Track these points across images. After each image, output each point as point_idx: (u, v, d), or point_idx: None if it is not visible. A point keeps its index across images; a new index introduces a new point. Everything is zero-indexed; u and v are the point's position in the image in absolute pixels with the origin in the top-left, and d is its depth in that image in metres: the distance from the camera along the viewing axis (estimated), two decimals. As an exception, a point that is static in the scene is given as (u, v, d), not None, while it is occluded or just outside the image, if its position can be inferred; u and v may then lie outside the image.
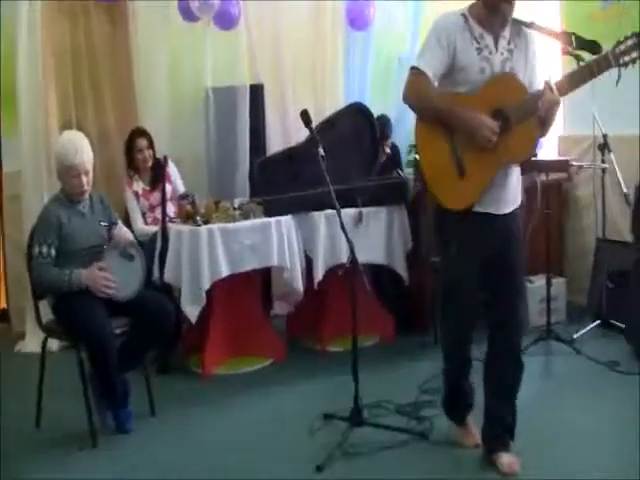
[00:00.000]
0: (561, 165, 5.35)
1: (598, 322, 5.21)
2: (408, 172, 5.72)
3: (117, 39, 6.03)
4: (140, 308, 3.98)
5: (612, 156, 5.03)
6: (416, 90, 3.22)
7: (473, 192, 3.23)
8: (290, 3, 6.16)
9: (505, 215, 3.32)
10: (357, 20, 6.26)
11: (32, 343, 5.36)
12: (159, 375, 4.70)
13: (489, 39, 3.22)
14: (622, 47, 3.10)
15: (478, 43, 3.21)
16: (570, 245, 6.03)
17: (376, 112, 5.62)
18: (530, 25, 3.29)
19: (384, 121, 5.84)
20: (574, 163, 5.25)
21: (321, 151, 3.95)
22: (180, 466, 3.64)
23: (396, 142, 6.02)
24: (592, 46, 3.24)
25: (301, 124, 4.33)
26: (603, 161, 5.12)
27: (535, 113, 3.14)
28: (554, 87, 3.12)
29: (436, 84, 3.23)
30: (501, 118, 3.16)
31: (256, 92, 5.94)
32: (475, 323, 3.46)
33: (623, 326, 5.01)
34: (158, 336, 4.13)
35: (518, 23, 3.29)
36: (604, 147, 5.09)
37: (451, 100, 3.21)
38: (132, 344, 4.05)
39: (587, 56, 3.25)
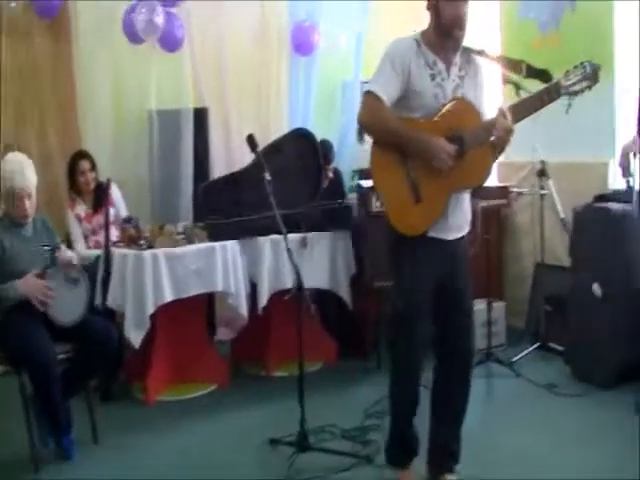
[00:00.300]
0: (501, 192, 5.47)
1: (537, 345, 5.33)
2: (351, 197, 5.77)
3: (60, 59, 5.94)
4: (84, 333, 3.94)
5: (550, 182, 5.17)
6: (372, 113, 3.21)
7: (428, 218, 3.23)
8: (235, 27, 6.21)
9: (455, 240, 3.34)
10: (302, 45, 6.33)
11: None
12: (102, 402, 4.64)
13: (441, 65, 3.25)
14: (572, 76, 3.18)
15: (432, 69, 3.23)
16: (509, 270, 6.16)
17: (319, 137, 5.66)
18: (480, 52, 3.33)
19: (327, 146, 5.89)
20: (514, 189, 5.38)
21: (267, 176, 3.98)
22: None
23: (338, 167, 6.07)
24: (543, 74, 3.30)
25: (245, 148, 4.37)
26: (542, 187, 5.25)
27: (489, 139, 3.18)
28: (508, 114, 3.15)
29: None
30: (456, 143, 3.18)
31: (200, 115, 5.95)
32: (425, 352, 3.41)
33: (561, 349, 5.14)
34: (102, 362, 4.10)
35: (468, 50, 3.33)
36: (542, 174, 5.22)
37: (408, 124, 3.21)
38: (75, 370, 4.00)
39: (536, 84, 3.30)
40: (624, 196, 4.78)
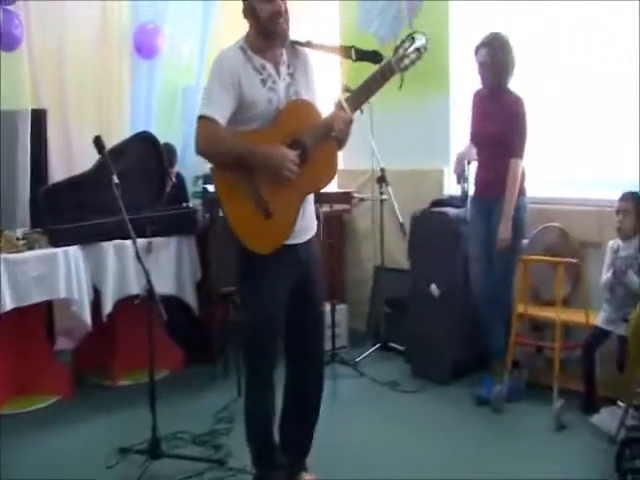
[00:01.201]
0: (344, 197, 5.63)
1: (378, 345, 5.52)
2: (194, 203, 5.76)
3: None
4: None
5: (389, 189, 5.36)
6: (208, 138, 3.08)
7: (282, 232, 3.17)
8: (76, 27, 6.00)
9: (304, 243, 3.28)
10: (144, 48, 6.23)
11: None
12: None
13: (270, 67, 3.18)
14: (401, 51, 3.14)
15: (261, 74, 3.16)
16: (350, 273, 6.34)
17: (161, 141, 5.61)
18: (307, 44, 3.25)
19: (170, 149, 5.83)
20: (356, 195, 5.54)
21: (115, 179, 3.88)
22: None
23: (180, 172, 6.03)
24: (373, 56, 3.28)
25: (85, 151, 4.24)
26: (381, 193, 5.44)
27: (330, 135, 3.13)
28: (345, 105, 3.12)
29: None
30: (298, 147, 3.11)
31: (39, 117, 5.71)
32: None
33: (402, 348, 5.36)
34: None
35: (294, 44, 3.28)
36: (382, 180, 5.40)
37: (245, 139, 3.11)
38: None
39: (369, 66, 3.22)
40: (458, 201, 5.06)
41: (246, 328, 3.30)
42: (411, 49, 3.15)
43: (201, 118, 3.09)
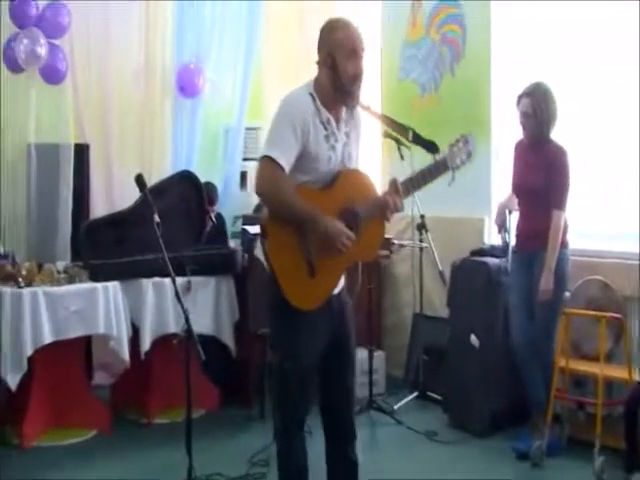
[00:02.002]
0: (384, 243, 5.60)
1: (416, 394, 5.46)
2: (233, 243, 5.77)
3: None
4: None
5: (429, 236, 5.34)
6: (271, 183, 3.01)
7: (322, 293, 3.14)
8: (119, 63, 6.14)
9: (337, 295, 3.24)
10: (187, 87, 6.31)
11: None
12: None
13: (333, 123, 3.13)
14: (455, 150, 3.25)
15: (326, 129, 3.10)
16: (388, 319, 6.30)
17: (202, 180, 5.65)
18: (367, 109, 3.33)
19: (211, 188, 5.88)
20: (395, 241, 5.52)
21: (156, 218, 3.88)
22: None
23: (220, 212, 6.05)
24: (429, 146, 3.36)
25: (126, 188, 4.24)
26: (421, 240, 5.42)
27: (384, 214, 3.16)
28: (400, 189, 3.16)
29: None
30: (351, 217, 3.11)
31: (81, 152, 5.79)
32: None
33: (439, 398, 5.30)
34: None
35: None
36: (422, 227, 5.39)
37: (305, 196, 3.05)
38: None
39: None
40: (499, 251, 5.03)
41: (278, 376, 3.26)
42: (463, 149, 3.26)
43: (266, 158, 3.01)
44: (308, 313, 3.10)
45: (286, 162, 3.00)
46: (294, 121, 3.02)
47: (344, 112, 3.20)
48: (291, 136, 3.01)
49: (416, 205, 5.37)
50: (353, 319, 3.37)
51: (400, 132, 3.37)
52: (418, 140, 3.37)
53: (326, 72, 3.13)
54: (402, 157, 5.15)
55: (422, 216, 5.37)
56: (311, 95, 3.11)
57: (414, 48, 6.21)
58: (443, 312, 5.43)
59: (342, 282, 3.29)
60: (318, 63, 3.17)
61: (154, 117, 6.25)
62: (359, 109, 3.35)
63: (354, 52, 3.10)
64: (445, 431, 4.95)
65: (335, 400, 3.35)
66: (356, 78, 3.11)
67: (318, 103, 3.10)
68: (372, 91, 6.51)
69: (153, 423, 5.07)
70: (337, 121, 3.16)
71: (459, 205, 5.63)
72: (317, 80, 3.17)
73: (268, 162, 3.00)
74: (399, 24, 6.32)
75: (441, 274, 5.20)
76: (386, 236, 5.75)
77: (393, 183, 3.18)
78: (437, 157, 3.28)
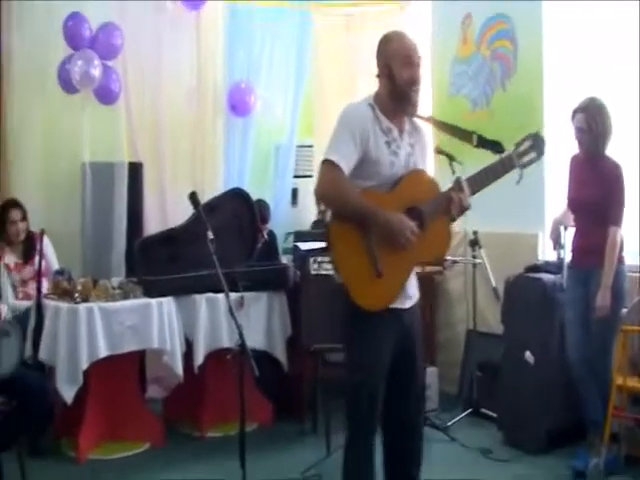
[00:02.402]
0: (437, 260, 5.57)
1: (469, 410, 5.40)
2: (285, 259, 5.79)
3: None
4: (18, 387, 3.83)
5: (482, 252, 5.30)
6: (332, 184, 3.07)
7: (390, 293, 3.14)
8: (172, 83, 6.24)
9: (410, 308, 3.27)
10: (238, 106, 6.38)
11: None
12: (30, 457, 4.39)
13: (395, 132, 3.19)
14: (521, 148, 3.24)
15: (387, 136, 3.16)
16: (441, 335, 6.24)
17: (254, 198, 5.69)
18: (429, 119, 3.35)
19: (263, 205, 5.92)
20: (449, 258, 5.47)
21: (210, 234, 3.91)
22: None
23: (272, 229, 6.08)
24: (494, 146, 3.36)
25: (179, 205, 4.27)
26: (474, 256, 5.37)
27: (449, 211, 3.17)
28: (465, 187, 3.18)
29: None
30: (416, 217, 3.12)
31: (135, 170, 5.89)
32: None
33: (494, 414, 5.23)
34: (36, 417, 4.00)
35: (415, 117, 3.32)
36: (475, 243, 5.35)
37: (368, 197, 3.09)
38: (8, 423, 3.85)
39: (475, 156, 3.31)
40: (554, 268, 4.96)
41: (348, 386, 3.26)
42: (532, 147, 3.24)
43: (327, 162, 3.08)
44: (378, 324, 3.12)
45: (346, 165, 3.06)
46: (353, 128, 3.10)
47: (407, 124, 3.26)
48: (350, 142, 3.08)
49: (469, 221, 5.34)
50: (421, 334, 3.38)
51: (466, 138, 3.35)
52: (483, 143, 3.35)
53: (384, 82, 3.21)
54: (454, 172, 5.14)
55: (475, 232, 5.34)
56: (370, 106, 3.19)
57: (464, 64, 6.20)
58: (497, 328, 5.36)
59: (414, 297, 3.30)
60: (378, 76, 3.23)
61: (206, 136, 6.34)
62: (421, 124, 3.37)
63: (409, 59, 3.16)
64: (500, 449, 4.86)
65: (401, 417, 3.32)
66: (412, 83, 3.16)
67: (378, 112, 3.17)
68: (423, 106, 6.54)
69: (206, 436, 5.08)
70: (400, 131, 3.22)
71: (513, 221, 5.59)
72: (377, 92, 3.24)
73: (328, 165, 3.07)
74: (449, 41, 6.32)
75: (495, 290, 5.15)
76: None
77: (457, 181, 3.20)
78: (502, 156, 3.27)
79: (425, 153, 3.36)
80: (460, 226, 5.48)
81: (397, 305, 3.19)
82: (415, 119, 3.34)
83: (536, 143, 3.28)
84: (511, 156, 3.24)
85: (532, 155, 3.26)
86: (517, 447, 4.85)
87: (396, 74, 3.15)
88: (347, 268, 3.12)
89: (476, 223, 5.30)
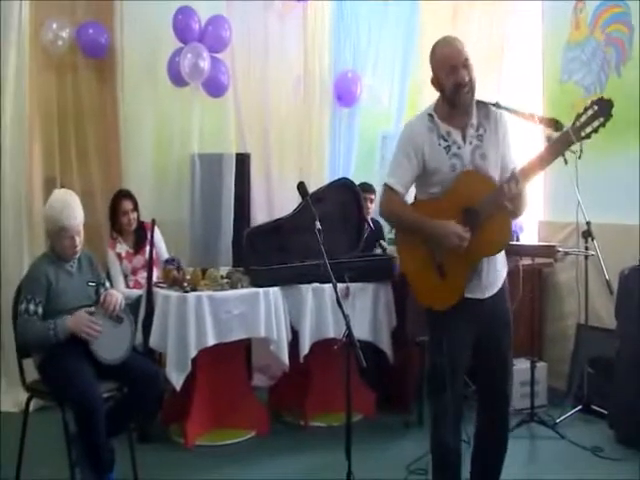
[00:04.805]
0: (547, 250, 5.42)
1: (579, 407, 5.22)
2: (391, 249, 5.73)
3: (104, 97, 6.01)
4: (131, 373, 3.89)
5: (595, 243, 5.12)
6: (388, 207, 3.43)
7: (455, 292, 3.31)
8: (279, 76, 6.27)
9: (490, 298, 3.38)
10: (344, 96, 6.37)
11: (7, 402, 5.23)
12: (139, 443, 4.51)
13: (456, 134, 3.30)
14: (582, 119, 3.10)
15: (446, 141, 3.29)
16: (550, 330, 6.08)
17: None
18: (495, 105, 3.35)
19: (367, 188, 5.88)
20: (560, 249, 5.32)
21: (318, 224, 3.89)
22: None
23: (377, 219, 6.04)
24: (554, 124, 3.24)
25: (285, 195, 4.28)
26: (587, 248, 5.19)
27: (502, 205, 3.20)
28: (519, 177, 3.17)
29: (412, 187, 3.42)
30: (471, 215, 3.24)
31: (242, 161, 5.96)
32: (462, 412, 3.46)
33: (605, 412, 5.05)
34: (148, 402, 4.07)
35: (484, 105, 3.36)
36: (588, 234, 5.16)
37: (423, 209, 3.34)
38: (121, 409, 3.94)
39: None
40: (671, 261, 4.75)
41: (428, 372, 3.48)
42: (593, 117, 3.10)
43: (385, 185, 3.41)
44: (454, 316, 3.29)
45: (402, 186, 3.37)
46: (406, 147, 3.35)
47: (474, 117, 3.34)
48: (404, 161, 3.35)
49: (581, 211, 5.17)
50: (509, 324, 3.48)
51: (529, 119, 3.30)
52: (543, 121, 3.28)
53: (437, 90, 3.35)
54: (566, 162, 4.95)
55: (588, 223, 5.15)
56: (429, 115, 3.36)
57: (577, 49, 6.01)
58: (610, 323, 5.18)
59: (494, 286, 3.40)
60: (432, 83, 3.36)
61: (312, 126, 6.34)
62: (497, 111, 3.37)
63: (452, 67, 3.24)
64: (611, 447, 4.70)
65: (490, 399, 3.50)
66: (459, 87, 3.23)
67: (436, 119, 3.34)
68: (534, 93, 6.39)
69: (310, 426, 5.11)
70: (463, 129, 3.32)
71: (627, 211, 5.38)
72: (437, 99, 3.39)
73: (387, 188, 3.41)
74: (561, 25, 6.14)
75: (608, 283, 4.94)
76: (549, 243, 5.63)
77: (512, 173, 3.22)
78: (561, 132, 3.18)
79: (500, 138, 3.36)
80: (568, 216, 5.34)
81: (476, 295, 3.35)
82: (489, 106, 3.37)
83: (600, 107, 3.11)
84: (568, 132, 3.12)
85: (595, 124, 3.09)
86: (630, 446, 4.67)
87: (443, 83, 3.27)
88: (414, 273, 3.42)
89: (589, 214, 5.15)
